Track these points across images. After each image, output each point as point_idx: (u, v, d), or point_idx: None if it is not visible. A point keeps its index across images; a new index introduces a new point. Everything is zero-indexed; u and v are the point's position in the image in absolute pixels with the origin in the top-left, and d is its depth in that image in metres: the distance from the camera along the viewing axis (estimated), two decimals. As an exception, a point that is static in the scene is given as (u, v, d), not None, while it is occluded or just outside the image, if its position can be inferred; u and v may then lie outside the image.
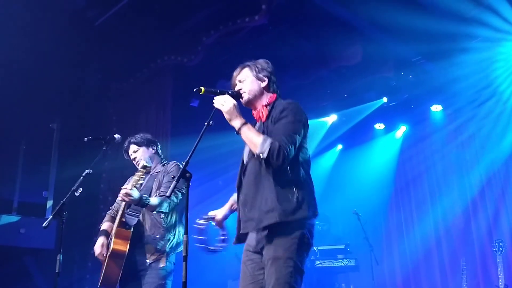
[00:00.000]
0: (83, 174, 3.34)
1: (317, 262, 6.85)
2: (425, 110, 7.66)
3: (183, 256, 2.32)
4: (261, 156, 2.41)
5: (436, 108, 7.56)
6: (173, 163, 3.80)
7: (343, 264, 6.74)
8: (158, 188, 3.64)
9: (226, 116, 2.56)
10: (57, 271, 3.22)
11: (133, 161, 3.82)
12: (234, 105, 2.56)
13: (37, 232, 5.80)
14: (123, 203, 3.50)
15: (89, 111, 6.65)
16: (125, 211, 3.57)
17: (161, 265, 3.52)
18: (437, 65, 6.42)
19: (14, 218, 6.10)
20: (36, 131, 6.63)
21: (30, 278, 6.02)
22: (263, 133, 2.56)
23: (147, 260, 3.51)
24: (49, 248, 5.67)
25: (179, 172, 2.42)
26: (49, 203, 6.50)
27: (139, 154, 3.81)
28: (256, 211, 2.47)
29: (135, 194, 3.36)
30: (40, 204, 6.55)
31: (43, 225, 3.24)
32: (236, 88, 2.78)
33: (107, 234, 3.64)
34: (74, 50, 5.91)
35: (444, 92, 7.06)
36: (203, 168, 7.48)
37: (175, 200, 3.57)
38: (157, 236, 3.55)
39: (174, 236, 3.63)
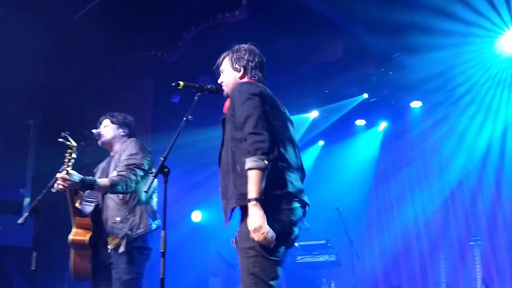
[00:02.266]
0: (60, 170, 3.26)
1: (298, 257, 6.88)
2: (405, 106, 7.75)
3: (161, 252, 2.30)
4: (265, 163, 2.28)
5: (416, 104, 7.64)
6: (132, 140, 3.67)
7: (324, 259, 6.78)
8: (115, 168, 3.48)
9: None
10: (33, 268, 3.14)
11: (99, 133, 3.68)
12: (263, 221, 2.25)
13: (14, 230, 5.70)
14: (68, 191, 3.23)
15: (67, 107, 6.56)
16: (79, 199, 3.39)
17: (121, 250, 3.32)
18: (416, 61, 6.48)
19: (-10, 216, 6.00)
20: (12, 127, 6.51)
21: (8, 276, 5.93)
22: (225, 125, 2.51)
23: (109, 246, 3.35)
24: (27, 246, 5.58)
25: (157, 167, 2.38)
26: (26, 200, 6.39)
27: (106, 130, 3.71)
28: (228, 203, 2.42)
29: (74, 177, 3.12)
30: (17, 202, 6.44)
31: (18, 221, 3.16)
32: (219, 80, 2.78)
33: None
34: (51, 45, 5.79)
35: (423, 88, 7.14)
36: (184, 164, 7.45)
37: (134, 177, 3.37)
38: (117, 219, 3.39)
39: (135, 216, 3.42)
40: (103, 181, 3.27)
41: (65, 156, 3.21)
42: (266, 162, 2.27)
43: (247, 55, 2.73)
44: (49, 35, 5.69)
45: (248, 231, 2.27)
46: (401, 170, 7.99)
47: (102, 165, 3.79)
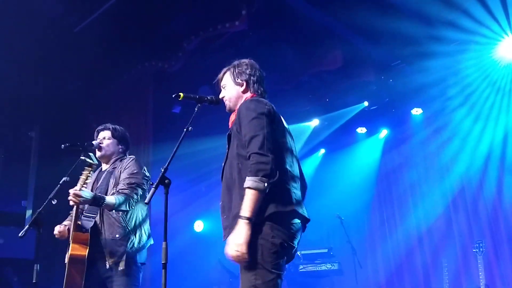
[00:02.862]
0: (60, 182, 3.26)
1: (301, 266, 6.86)
2: (405, 113, 7.76)
3: (162, 263, 2.29)
4: (264, 185, 2.28)
5: (416, 111, 7.65)
6: (131, 157, 3.67)
7: (326, 268, 6.76)
8: (115, 185, 3.49)
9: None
10: (34, 281, 3.14)
11: (98, 145, 3.67)
12: (245, 241, 2.27)
13: (16, 242, 5.68)
14: (75, 206, 3.29)
15: (68, 119, 6.57)
16: (79, 214, 3.41)
17: (121, 268, 3.33)
18: (416, 68, 6.50)
19: (-8, 228, 6.00)
20: (14, 139, 6.53)
21: (9, 288, 5.92)
22: (230, 140, 2.52)
23: (107, 263, 3.34)
24: (28, 258, 5.57)
25: (158, 178, 2.38)
26: (28, 212, 6.39)
27: (107, 143, 3.70)
28: (230, 219, 2.41)
29: (86, 194, 3.19)
30: (19, 214, 6.44)
31: (19, 234, 3.17)
32: (220, 95, 2.80)
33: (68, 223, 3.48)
34: (53, 57, 5.84)
35: (424, 95, 7.15)
36: (185, 174, 7.46)
37: (135, 196, 3.42)
38: (117, 236, 3.38)
39: (135, 235, 3.45)
40: (110, 199, 3.31)
41: (81, 171, 3.28)
42: (266, 184, 2.27)
43: (248, 70, 2.74)
44: (51, 46, 5.73)
45: (250, 244, 2.27)
46: (403, 177, 7.98)
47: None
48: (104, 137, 3.74)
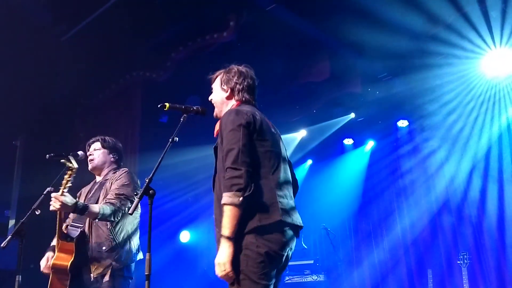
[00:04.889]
0: (44, 193, 3.23)
1: (287, 278, 6.84)
2: (391, 125, 7.83)
3: (146, 275, 2.28)
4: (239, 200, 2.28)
5: (402, 123, 7.73)
6: (123, 170, 3.64)
7: (312, 280, 6.74)
8: (105, 196, 3.46)
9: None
10: (16, 292, 3.10)
11: (88, 157, 3.68)
12: (228, 260, 2.29)
13: (-1, 252, 5.63)
14: (58, 212, 3.22)
15: (55, 128, 6.52)
16: (63, 221, 3.37)
17: (106, 280, 3.30)
18: (403, 81, 6.58)
19: (-26, 238, 5.89)
20: (-2, 148, 6.47)
21: (-10, 300, 5.81)
22: (216, 150, 2.52)
23: (92, 275, 3.30)
24: (10, 269, 5.49)
25: (138, 182, 2.37)
26: (11, 222, 6.30)
27: (97, 154, 3.70)
28: (220, 234, 2.38)
29: (67, 199, 3.13)
30: (2, 224, 6.35)
31: (1, 245, 3.12)
32: (209, 97, 2.82)
33: (54, 249, 3.40)
34: (40, 65, 5.80)
35: (409, 108, 7.23)
36: (172, 184, 7.42)
37: (123, 208, 3.38)
38: (103, 249, 3.35)
39: (123, 249, 3.42)
40: (93, 208, 3.26)
41: (63, 177, 3.22)
42: (241, 198, 2.26)
43: (235, 77, 2.74)
44: (38, 55, 5.70)
45: (236, 255, 2.28)
46: (389, 189, 8.03)
47: (85, 189, 3.76)
48: (95, 149, 3.73)
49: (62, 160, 3.25)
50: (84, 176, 3.84)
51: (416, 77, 6.34)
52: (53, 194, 3.12)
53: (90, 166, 3.69)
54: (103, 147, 3.73)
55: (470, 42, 5.61)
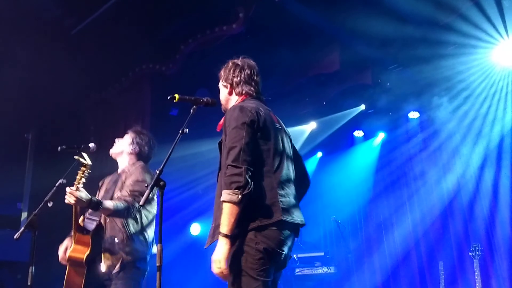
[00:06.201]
0: (56, 185, 3.25)
1: (297, 270, 6.85)
2: (402, 116, 7.77)
3: (157, 266, 2.29)
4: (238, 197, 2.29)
5: (413, 115, 7.67)
6: (140, 164, 3.65)
7: (322, 272, 6.75)
8: (120, 190, 3.49)
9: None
10: (29, 284, 3.12)
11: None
12: (223, 257, 2.31)
13: (12, 245, 5.68)
14: (74, 206, 3.27)
15: (66, 121, 6.57)
16: (79, 215, 3.40)
17: (119, 271, 3.34)
18: (414, 72, 6.51)
19: (-13, 231, 5.96)
20: (10, 141, 6.50)
21: (4, 291, 5.89)
22: (221, 145, 2.53)
23: (105, 266, 3.35)
24: (24, 261, 5.55)
25: (153, 179, 2.38)
26: (24, 214, 6.37)
27: (118, 143, 3.73)
28: (212, 228, 2.45)
29: (82, 194, 3.16)
30: (15, 216, 6.41)
31: (15, 236, 3.15)
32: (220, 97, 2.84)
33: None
34: (50, 59, 5.83)
35: (420, 99, 7.17)
36: (182, 177, 7.44)
37: (136, 205, 3.39)
38: (116, 241, 3.39)
39: (136, 241, 3.45)
40: (107, 204, 3.28)
41: (76, 171, 3.25)
42: (240, 196, 2.27)
43: (231, 71, 2.76)
44: (48, 49, 5.72)
45: (236, 251, 2.31)
46: (399, 181, 7.98)
47: (107, 180, 3.78)
48: (124, 138, 3.78)
49: (75, 157, 3.27)
50: (106, 165, 3.86)
51: (428, 67, 6.27)
52: (68, 189, 3.14)
53: (110, 151, 3.73)
54: (130, 137, 3.76)
55: (482, 31, 5.53)
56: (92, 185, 3.82)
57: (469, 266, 6.40)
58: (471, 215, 7.00)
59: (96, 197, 3.43)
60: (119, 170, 3.74)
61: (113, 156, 3.76)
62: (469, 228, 6.98)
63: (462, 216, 7.12)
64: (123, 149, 3.73)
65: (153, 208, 3.62)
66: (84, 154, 3.27)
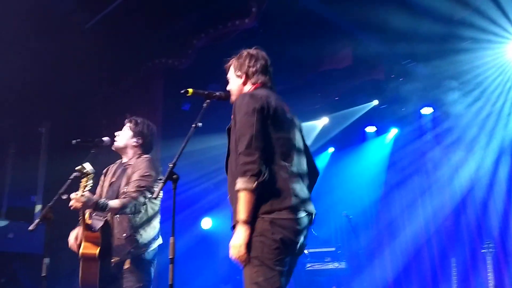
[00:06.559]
0: (71, 177, 3.28)
1: (308, 265, 6.84)
2: (415, 112, 7.71)
3: (170, 258, 2.31)
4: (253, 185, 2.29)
5: (427, 110, 7.61)
6: (145, 157, 3.61)
7: (333, 267, 6.73)
8: (127, 184, 3.48)
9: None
10: (43, 274, 3.16)
11: (110, 141, 3.67)
12: (243, 242, 2.33)
13: (26, 237, 5.75)
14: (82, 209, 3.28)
15: (78, 115, 6.60)
16: (91, 214, 3.42)
17: (126, 266, 3.37)
18: (427, 67, 6.46)
19: (2, 223, 6.04)
20: (24, 135, 6.57)
21: (18, 283, 5.96)
22: (230, 131, 2.52)
23: (112, 260, 3.37)
24: (37, 253, 5.62)
25: (159, 173, 2.39)
26: (38, 207, 6.44)
27: (121, 135, 3.69)
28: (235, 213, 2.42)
29: (88, 200, 3.16)
30: (28, 209, 6.49)
31: (29, 228, 3.18)
32: (227, 87, 2.81)
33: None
34: (63, 53, 5.87)
35: (434, 95, 7.11)
36: (194, 171, 7.47)
37: (142, 200, 3.40)
38: (123, 235, 3.40)
39: (142, 234, 3.46)
40: (114, 204, 3.29)
41: (80, 181, 3.24)
42: (255, 183, 2.28)
43: (247, 61, 2.73)
44: (61, 43, 5.76)
45: (252, 241, 2.31)
46: (412, 177, 7.94)
47: (112, 169, 3.77)
48: (124, 129, 3.73)
49: (76, 168, 3.24)
50: (111, 155, 3.87)
51: (441, 63, 6.22)
52: (73, 195, 3.16)
53: (113, 146, 3.69)
54: (130, 129, 3.71)
55: (498, 26, 5.47)
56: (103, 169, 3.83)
57: (481, 263, 6.36)
58: (484, 212, 6.94)
59: (101, 191, 3.43)
60: (124, 161, 3.71)
61: (117, 150, 3.72)
62: (482, 225, 6.93)
63: (475, 213, 7.07)
64: (126, 142, 3.69)
65: (158, 201, 3.62)
66: (86, 164, 3.25)
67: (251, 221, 2.32)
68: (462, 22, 5.47)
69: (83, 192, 3.18)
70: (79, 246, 3.35)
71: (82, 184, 3.23)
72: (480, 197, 7.05)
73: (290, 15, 5.67)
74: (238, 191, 2.30)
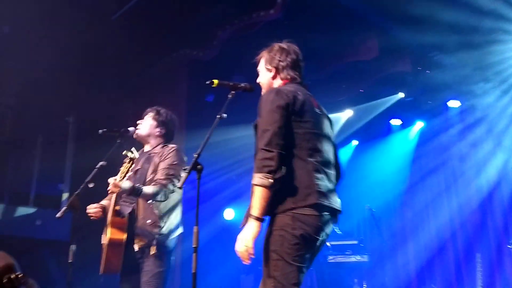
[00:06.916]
0: (97, 166, 3.34)
1: (330, 257, 6.84)
2: (442, 105, 7.59)
3: (193, 247, 2.33)
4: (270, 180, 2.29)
5: (453, 103, 7.48)
6: (172, 147, 3.65)
7: (356, 260, 6.71)
8: (153, 172, 3.53)
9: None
10: (70, 261, 3.24)
11: (135, 130, 3.71)
12: (252, 237, 2.31)
13: (53, 224, 5.89)
14: (114, 194, 3.38)
15: (104, 105, 6.70)
16: (118, 201, 3.47)
17: (152, 252, 3.41)
18: (455, 59, 6.33)
19: (30, 210, 6.20)
20: (52, 124, 6.71)
21: (45, 269, 6.10)
22: (256, 128, 2.51)
23: (136, 246, 3.41)
24: (64, 240, 5.75)
25: (186, 162, 2.41)
26: (65, 195, 6.58)
27: (144, 124, 3.72)
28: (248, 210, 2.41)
29: (125, 184, 3.25)
30: (56, 196, 6.63)
31: (57, 215, 3.25)
32: (257, 80, 2.80)
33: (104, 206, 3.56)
34: (90, 44, 5.95)
35: (462, 87, 6.97)
36: (217, 162, 7.50)
37: (171, 187, 3.46)
38: (148, 222, 3.44)
39: (165, 221, 3.50)
40: (148, 190, 3.35)
41: (123, 165, 3.34)
42: (271, 180, 2.26)
43: (277, 55, 2.70)
44: (89, 34, 5.84)
45: (273, 234, 2.31)
46: (437, 170, 7.83)
47: (124, 170, 3.80)
48: (146, 119, 3.77)
49: (124, 152, 3.35)
50: (135, 145, 3.92)
51: (469, 55, 6.09)
52: (111, 180, 3.23)
53: (135, 134, 3.73)
54: (153, 118, 3.75)
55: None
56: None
57: (507, 258, 6.25)
58: (511, 207, 6.81)
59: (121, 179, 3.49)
60: (147, 150, 3.75)
61: (139, 139, 3.76)
62: (508, 220, 6.81)
63: (502, 208, 6.95)
64: (149, 131, 3.73)
65: (181, 190, 3.66)
66: (133, 149, 3.33)
67: (272, 217, 2.32)
68: (492, 12, 5.33)
69: (122, 176, 3.26)
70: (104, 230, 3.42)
71: (123, 169, 3.31)
72: (507, 192, 6.91)
73: (315, 6, 5.62)
74: (253, 186, 2.31)
